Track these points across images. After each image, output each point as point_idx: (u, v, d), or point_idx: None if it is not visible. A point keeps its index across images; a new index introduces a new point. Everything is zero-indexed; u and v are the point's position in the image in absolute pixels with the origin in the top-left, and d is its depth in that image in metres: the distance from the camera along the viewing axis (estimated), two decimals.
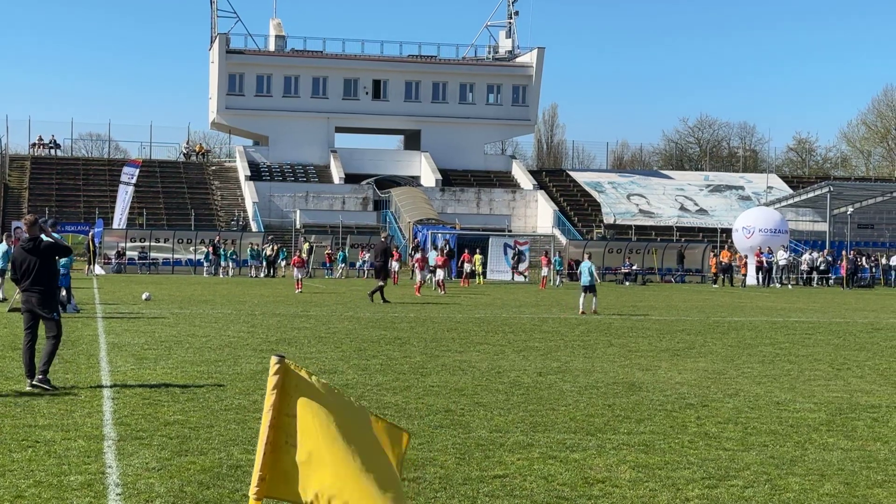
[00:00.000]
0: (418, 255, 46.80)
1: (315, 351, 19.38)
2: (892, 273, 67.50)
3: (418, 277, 44.12)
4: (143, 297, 34.34)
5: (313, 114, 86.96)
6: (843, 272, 62.39)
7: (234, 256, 60.48)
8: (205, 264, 60.42)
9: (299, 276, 43.78)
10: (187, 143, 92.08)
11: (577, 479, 9.41)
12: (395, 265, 55.72)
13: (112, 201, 72.30)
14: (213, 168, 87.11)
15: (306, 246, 59.09)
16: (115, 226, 66.56)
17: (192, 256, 62.99)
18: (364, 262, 57.48)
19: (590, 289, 32.11)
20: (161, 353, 18.36)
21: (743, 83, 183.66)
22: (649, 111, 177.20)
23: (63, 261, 24.99)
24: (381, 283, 35.99)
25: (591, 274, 32.25)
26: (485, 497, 8.74)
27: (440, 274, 46.22)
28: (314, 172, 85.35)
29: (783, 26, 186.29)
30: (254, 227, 74.01)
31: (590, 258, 33.58)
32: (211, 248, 60.77)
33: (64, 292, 26.75)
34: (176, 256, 63.03)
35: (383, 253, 37.62)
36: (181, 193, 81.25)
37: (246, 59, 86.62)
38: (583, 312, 31.58)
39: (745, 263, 62.92)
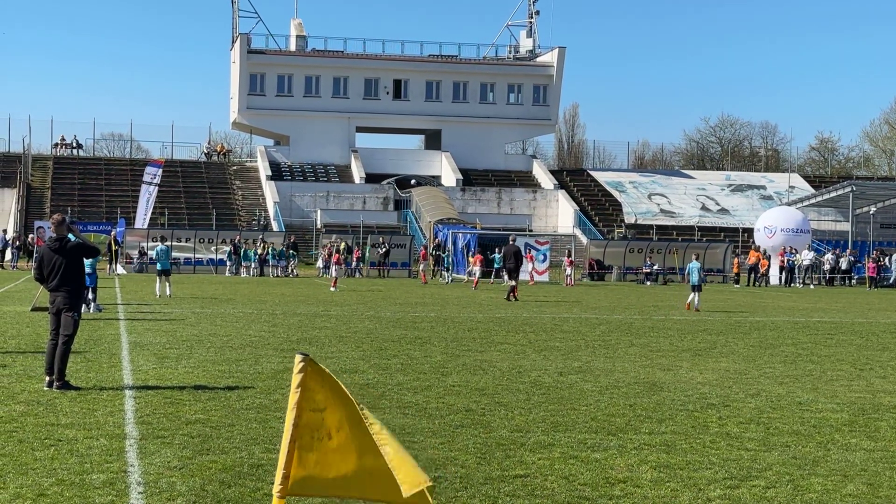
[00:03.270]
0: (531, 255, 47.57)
1: (336, 350, 19.40)
2: None
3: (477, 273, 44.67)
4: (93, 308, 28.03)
5: (334, 114, 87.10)
6: (869, 273, 61.98)
7: (256, 256, 60.64)
8: (227, 263, 60.49)
9: (336, 275, 44.16)
10: (209, 142, 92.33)
11: (599, 479, 9.40)
12: (421, 265, 55.88)
13: (134, 201, 72.57)
14: (235, 168, 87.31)
15: (343, 245, 59.00)
16: (137, 225, 66.74)
17: (213, 256, 63.11)
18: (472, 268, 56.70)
19: (696, 287, 33.76)
20: (182, 353, 18.42)
21: (765, 83, 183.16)
22: (670, 110, 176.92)
23: (88, 260, 25.36)
24: (514, 284, 38.58)
25: (698, 273, 34.06)
26: (506, 497, 8.73)
27: (477, 272, 47.80)
28: (335, 172, 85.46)
29: (805, 27, 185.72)
30: (275, 226, 74.12)
31: (696, 258, 35.44)
32: (232, 248, 60.91)
33: (90, 293, 26.90)
34: (197, 256, 63.18)
35: (515, 255, 39.87)
36: (202, 193, 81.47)
37: (267, 59, 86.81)
38: (688, 307, 33.86)
39: (767, 264, 62.72)
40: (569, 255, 57.48)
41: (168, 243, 39.86)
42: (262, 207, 79.51)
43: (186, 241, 63.79)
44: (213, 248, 63.28)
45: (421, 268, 56.29)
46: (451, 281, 54.00)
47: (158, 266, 36.47)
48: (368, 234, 68.24)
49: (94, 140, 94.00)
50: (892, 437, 11.67)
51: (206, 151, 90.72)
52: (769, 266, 62.83)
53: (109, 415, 12.05)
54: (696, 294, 33.67)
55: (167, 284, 35.57)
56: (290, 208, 78.40)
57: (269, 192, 79.65)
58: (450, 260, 57.74)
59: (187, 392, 13.83)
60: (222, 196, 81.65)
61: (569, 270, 55.82)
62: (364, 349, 19.69)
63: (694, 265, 34.47)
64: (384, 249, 63.11)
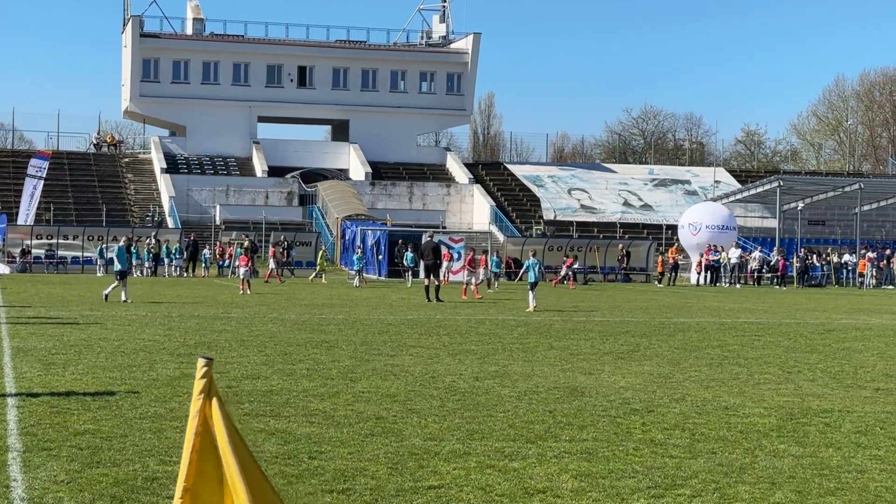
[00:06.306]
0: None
1: (237, 355, 19.26)
2: (844, 272, 68.56)
3: (465, 278, 44.08)
4: None
5: (234, 102, 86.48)
6: (780, 271, 63.62)
7: (150, 254, 60.10)
8: (99, 261, 59.67)
9: (243, 276, 43.31)
10: (98, 133, 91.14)
11: (517, 490, 9.44)
12: (272, 263, 55.74)
13: (16, 195, 71.38)
14: (127, 160, 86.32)
15: (247, 244, 58.61)
16: (20, 222, 65.72)
17: (93, 255, 62.21)
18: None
19: (533, 286, 34.27)
20: (70, 358, 18.16)
21: (689, 72, 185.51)
22: (591, 101, 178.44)
23: None
24: (437, 283, 38.57)
25: (535, 271, 34.54)
26: None
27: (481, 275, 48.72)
28: (235, 165, 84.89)
29: (730, 13, 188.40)
30: (170, 223, 73.44)
31: (534, 255, 36.04)
32: (124, 246, 60.16)
33: None
34: (86, 255, 62.34)
35: (434, 251, 39.68)
36: (91, 187, 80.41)
37: (161, 44, 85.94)
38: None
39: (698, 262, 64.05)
40: (569, 255, 60.08)
41: (121, 243, 38.57)
42: (156, 203, 78.71)
43: (74, 239, 62.97)
44: (103, 247, 62.53)
45: (270, 266, 55.86)
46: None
47: (117, 267, 35.65)
48: (271, 230, 67.96)
49: None
50: (821, 443, 11.89)
51: (95, 142, 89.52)
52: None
53: None
54: (532, 293, 34.03)
55: (123, 287, 34.73)
56: (187, 203, 77.69)
57: (164, 186, 78.87)
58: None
59: (75, 400, 13.64)
60: (113, 190, 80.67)
61: (564, 271, 57.55)
62: (267, 353, 19.59)
63: (533, 262, 34.95)
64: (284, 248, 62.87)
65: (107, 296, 34.52)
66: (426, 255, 39.78)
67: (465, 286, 42.28)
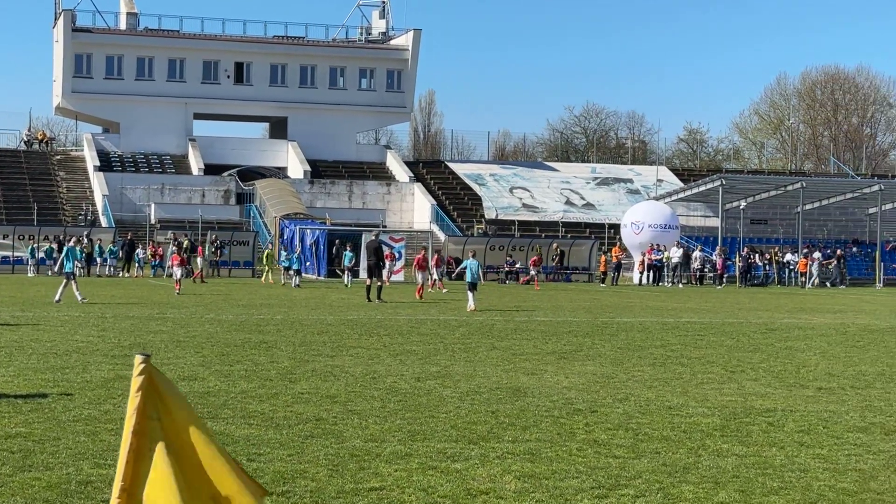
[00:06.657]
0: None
1: (173, 356, 19.14)
2: (787, 271, 69.25)
3: (419, 279, 43.79)
4: None
5: (169, 99, 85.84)
6: (719, 270, 64.27)
7: (83, 254, 59.51)
8: (30, 261, 59.15)
9: (179, 276, 43.10)
10: (29, 129, 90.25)
11: (459, 491, 9.46)
12: (199, 261, 55.57)
13: None
14: (58, 157, 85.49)
15: (186, 243, 58.39)
16: None
17: (24, 255, 61.58)
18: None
19: (472, 287, 34.06)
20: (1, 360, 17.97)
21: (631, 70, 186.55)
22: (533, 99, 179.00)
23: None
24: (379, 283, 38.77)
25: (473, 272, 34.37)
26: None
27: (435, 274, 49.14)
28: (170, 163, 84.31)
29: (672, 12, 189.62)
30: (104, 222, 72.79)
31: (473, 256, 36.18)
32: (56, 246, 59.66)
33: None
34: (17, 254, 61.64)
35: (375, 252, 39.70)
36: (22, 185, 79.57)
37: (94, 39, 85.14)
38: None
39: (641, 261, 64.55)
40: (538, 253, 60.82)
41: (71, 243, 37.85)
42: (89, 201, 78.00)
43: (4, 238, 62.24)
44: (34, 246, 61.90)
45: (199, 263, 55.58)
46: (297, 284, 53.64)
47: (67, 268, 35.01)
48: (208, 230, 67.55)
49: None
50: (765, 442, 12.01)
51: (25, 139, 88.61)
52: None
53: None
54: (472, 294, 33.94)
55: (74, 287, 34.17)
56: (121, 202, 77.05)
57: (98, 184, 78.17)
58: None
59: (6, 403, 13.50)
60: (44, 188, 79.88)
61: (533, 271, 57.96)
62: (204, 354, 19.48)
63: (472, 263, 35.02)
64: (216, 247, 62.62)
65: (83, 300, 33.91)
66: (368, 255, 39.89)
67: (419, 286, 42.18)
